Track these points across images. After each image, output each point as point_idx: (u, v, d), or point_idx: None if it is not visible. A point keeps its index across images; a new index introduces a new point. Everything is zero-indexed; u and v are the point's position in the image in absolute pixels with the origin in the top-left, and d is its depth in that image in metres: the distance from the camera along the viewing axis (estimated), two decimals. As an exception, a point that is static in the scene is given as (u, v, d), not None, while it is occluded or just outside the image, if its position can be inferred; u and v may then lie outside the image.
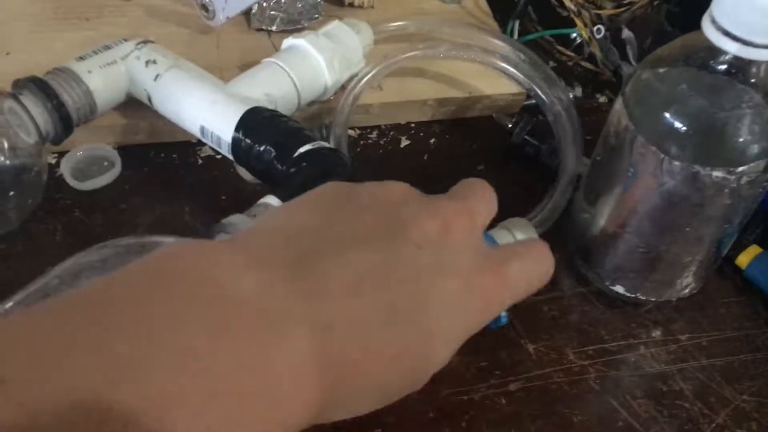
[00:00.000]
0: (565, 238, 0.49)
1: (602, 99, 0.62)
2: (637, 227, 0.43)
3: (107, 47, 0.50)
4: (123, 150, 0.53)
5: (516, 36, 0.62)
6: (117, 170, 0.52)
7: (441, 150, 0.57)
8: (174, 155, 0.53)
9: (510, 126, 0.54)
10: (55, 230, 0.48)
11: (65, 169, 0.51)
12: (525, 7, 0.63)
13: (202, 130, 0.48)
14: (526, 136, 0.53)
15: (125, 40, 0.50)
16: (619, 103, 0.42)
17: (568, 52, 0.62)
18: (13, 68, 0.55)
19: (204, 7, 0.57)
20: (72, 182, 0.51)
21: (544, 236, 0.49)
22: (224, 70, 0.55)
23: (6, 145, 0.44)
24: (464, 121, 0.59)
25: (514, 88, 0.58)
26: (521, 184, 0.54)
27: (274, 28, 0.60)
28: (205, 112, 0.48)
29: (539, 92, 0.53)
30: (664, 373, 0.46)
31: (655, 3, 0.59)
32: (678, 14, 0.55)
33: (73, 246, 0.48)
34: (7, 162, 0.44)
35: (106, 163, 0.52)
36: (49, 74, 0.48)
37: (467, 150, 0.57)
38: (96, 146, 0.53)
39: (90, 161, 0.53)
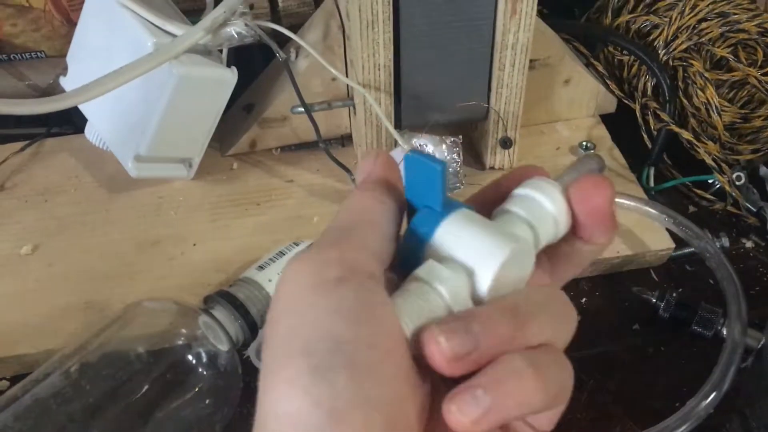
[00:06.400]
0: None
1: (749, 244, 0.62)
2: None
3: (281, 253, 0.56)
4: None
5: (652, 183, 0.64)
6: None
7: (591, 307, 0.58)
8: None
9: (654, 301, 0.55)
10: (250, 414, 0.54)
11: (252, 351, 0.58)
12: (660, 153, 0.64)
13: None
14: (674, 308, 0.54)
15: (296, 244, 0.57)
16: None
17: (708, 195, 0.63)
18: (202, 258, 0.63)
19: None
20: (259, 364, 0.57)
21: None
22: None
23: (205, 357, 0.51)
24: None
25: (660, 244, 0.59)
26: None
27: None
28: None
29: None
30: None
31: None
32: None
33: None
34: (205, 372, 0.51)
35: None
36: (234, 286, 0.54)
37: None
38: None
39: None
